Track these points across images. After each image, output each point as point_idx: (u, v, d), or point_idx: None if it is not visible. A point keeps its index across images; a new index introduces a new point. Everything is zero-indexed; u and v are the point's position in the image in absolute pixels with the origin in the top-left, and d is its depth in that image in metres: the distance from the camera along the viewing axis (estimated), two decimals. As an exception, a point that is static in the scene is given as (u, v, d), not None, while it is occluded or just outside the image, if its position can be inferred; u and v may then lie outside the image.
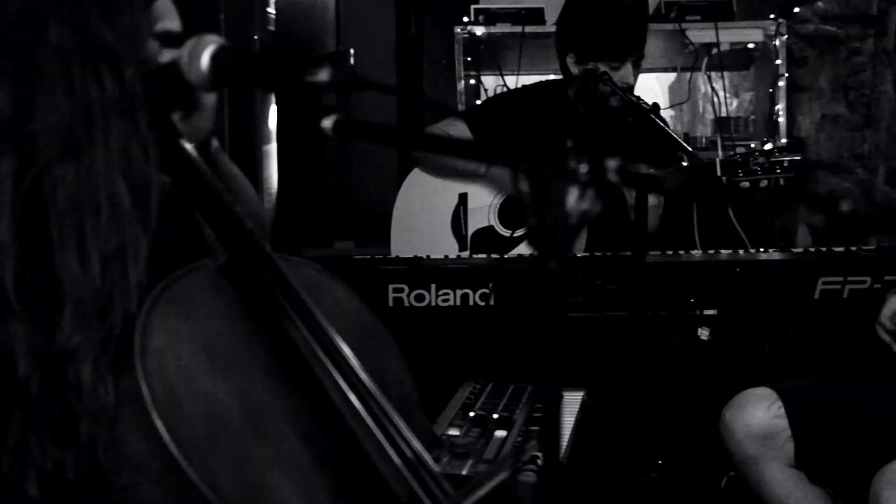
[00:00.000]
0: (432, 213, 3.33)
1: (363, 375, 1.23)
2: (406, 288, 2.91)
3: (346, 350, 1.25)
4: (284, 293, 1.28)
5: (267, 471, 1.20)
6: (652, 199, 2.91)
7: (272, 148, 4.66)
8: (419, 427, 1.27)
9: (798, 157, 2.96)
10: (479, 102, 4.12)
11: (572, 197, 0.98)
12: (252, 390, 1.24)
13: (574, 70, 3.14)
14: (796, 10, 4.37)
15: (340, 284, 1.46)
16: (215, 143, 1.59)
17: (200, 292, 1.29)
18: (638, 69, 3.12)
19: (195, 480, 1.12)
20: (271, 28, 4.57)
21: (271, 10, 4.58)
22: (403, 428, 1.20)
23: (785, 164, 2.87)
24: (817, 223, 0.75)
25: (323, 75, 1.18)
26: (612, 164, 0.97)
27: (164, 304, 1.24)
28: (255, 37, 4.27)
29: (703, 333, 2.92)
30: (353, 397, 1.21)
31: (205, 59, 1.31)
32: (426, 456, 1.18)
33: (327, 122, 1.21)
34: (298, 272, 1.35)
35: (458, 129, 3.21)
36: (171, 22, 1.47)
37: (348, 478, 1.22)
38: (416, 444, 1.19)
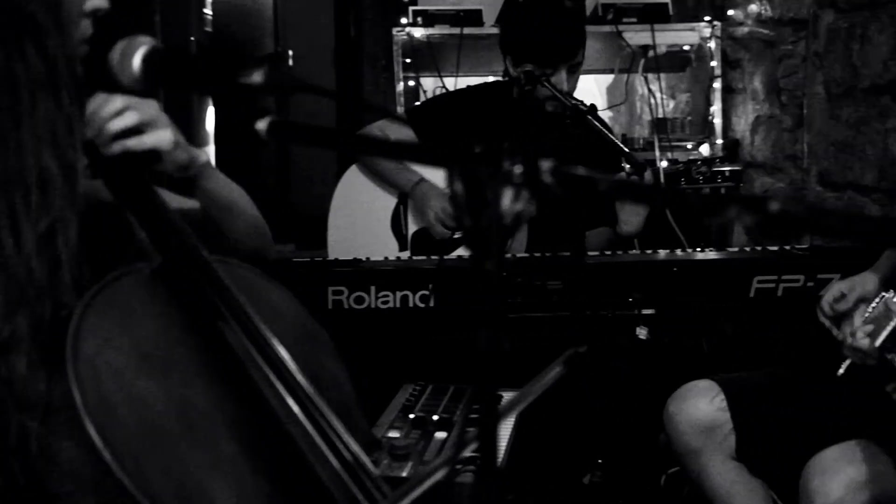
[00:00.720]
0: (371, 212, 3.32)
1: (301, 378, 1.22)
2: (345, 290, 2.90)
3: (284, 353, 1.24)
4: (221, 296, 1.27)
5: (203, 476, 1.18)
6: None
7: (210, 150, 4.62)
8: (358, 429, 1.26)
9: (739, 168, 3.03)
10: (421, 102, 4.12)
11: (507, 198, 0.98)
12: (188, 394, 1.22)
13: (513, 72, 3.15)
14: (730, 13, 4.44)
15: (278, 287, 1.45)
16: (203, 157, 1.62)
17: (134, 296, 1.27)
18: (574, 76, 3.14)
19: (129, 487, 1.11)
20: (208, 29, 4.52)
21: (208, 11, 4.54)
22: (342, 431, 1.19)
23: (726, 174, 2.94)
24: (746, 223, 0.76)
25: (257, 77, 1.17)
26: (546, 165, 0.98)
27: (97, 308, 1.22)
28: (192, 38, 4.22)
29: (642, 333, 2.95)
30: (290, 400, 1.20)
31: (136, 61, 1.29)
32: (365, 458, 1.18)
33: (261, 125, 1.20)
34: (235, 275, 1.34)
35: (395, 130, 3.20)
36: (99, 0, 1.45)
37: (286, 481, 1.21)
38: (355, 447, 1.18)
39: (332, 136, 1.20)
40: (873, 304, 2.00)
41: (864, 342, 1.91)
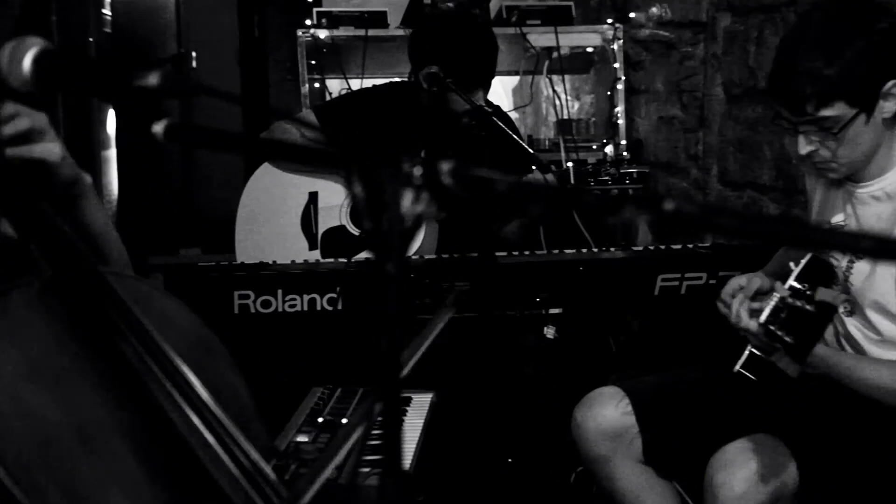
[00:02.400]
0: (280, 211, 3.29)
1: (198, 388, 1.21)
2: (252, 294, 2.86)
3: (181, 363, 1.22)
4: (114, 308, 1.24)
5: (100, 488, 1.16)
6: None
7: (111, 153, 4.52)
8: (257, 437, 1.25)
9: (646, 169, 3.09)
10: (330, 99, 4.09)
11: (407, 200, 0.97)
12: (83, 407, 1.20)
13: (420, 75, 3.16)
14: (632, 15, 4.51)
15: (172, 298, 1.42)
16: (88, 178, 1.61)
17: (24, 309, 1.24)
18: (488, 90, 3.18)
19: (22, 502, 1.08)
20: (107, 30, 4.42)
21: (107, 11, 4.43)
22: (240, 438, 1.18)
23: (634, 176, 3.00)
24: (641, 222, 0.77)
25: (152, 80, 1.15)
26: (445, 167, 0.98)
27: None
28: (90, 39, 4.13)
29: (549, 332, 2.97)
30: (188, 410, 1.18)
31: (27, 63, 1.26)
32: (264, 465, 1.17)
33: (158, 128, 1.17)
34: (129, 287, 1.31)
35: (302, 127, 3.19)
36: None
37: (185, 491, 1.19)
38: (254, 454, 1.17)
39: (231, 138, 1.18)
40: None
41: (751, 323, 1.97)
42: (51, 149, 1.45)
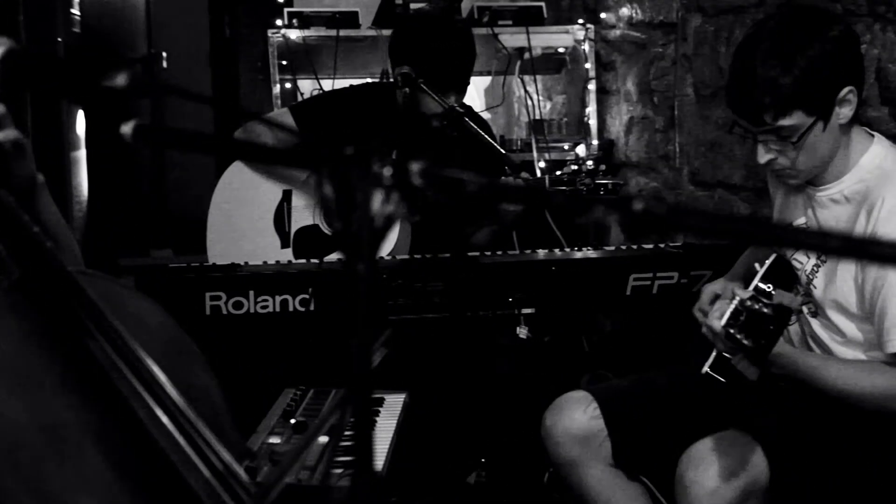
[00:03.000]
0: (253, 208, 3.27)
1: (170, 389, 1.20)
2: (224, 295, 2.85)
3: (152, 364, 1.21)
4: (84, 309, 1.23)
5: (70, 491, 1.15)
6: None
7: (81, 154, 4.48)
8: (229, 439, 1.24)
9: (621, 182, 3.10)
10: (305, 99, 4.08)
11: (377, 201, 0.97)
12: (52, 409, 1.19)
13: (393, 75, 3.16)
14: (603, 16, 4.53)
15: (144, 298, 1.41)
16: (41, 178, 1.60)
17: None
18: (463, 94, 3.19)
19: (-10, 506, 1.07)
20: (76, 30, 4.39)
21: (76, 11, 4.40)
22: (213, 440, 1.17)
23: (609, 187, 3.02)
24: (609, 223, 0.77)
25: (120, 80, 1.14)
26: (415, 167, 0.98)
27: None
28: (59, 39, 4.09)
29: (522, 332, 2.98)
30: (159, 412, 1.18)
31: (-7, 63, 1.24)
32: (236, 466, 1.16)
33: (126, 128, 1.17)
34: (99, 287, 1.30)
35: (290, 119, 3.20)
36: None
37: (157, 493, 1.19)
38: (226, 456, 1.16)
39: (200, 139, 1.17)
40: None
41: (714, 323, 1.99)
42: (10, 134, 1.45)
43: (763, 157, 2.17)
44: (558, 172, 3.02)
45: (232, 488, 1.15)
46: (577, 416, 2.45)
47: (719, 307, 2.03)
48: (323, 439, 2.10)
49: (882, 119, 2.77)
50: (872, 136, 2.24)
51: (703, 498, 2.10)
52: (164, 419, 1.18)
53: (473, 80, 4.89)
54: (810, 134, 2.09)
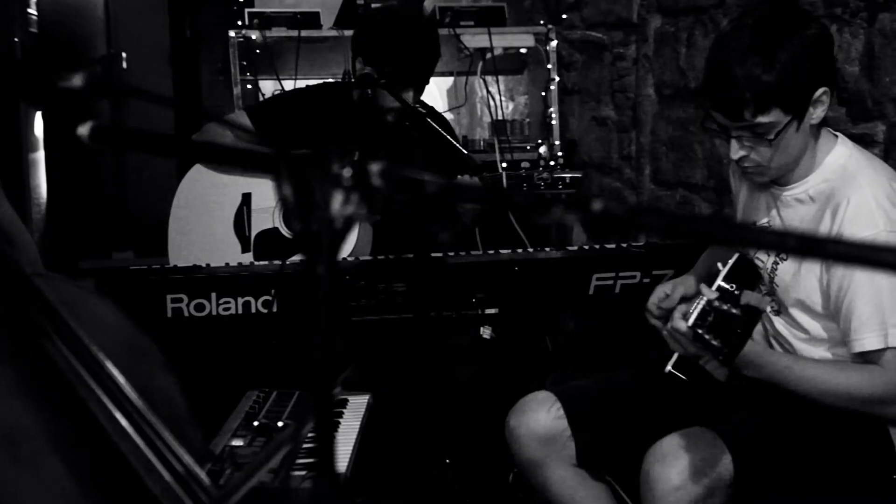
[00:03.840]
0: (213, 213, 3.25)
1: (130, 392, 1.19)
2: (185, 298, 2.83)
3: (111, 367, 1.20)
4: (42, 312, 1.22)
5: (29, 497, 1.14)
6: None
7: (40, 156, 4.43)
8: (191, 441, 1.23)
9: (579, 175, 3.11)
10: (263, 100, 4.06)
11: (336, 202, 0.97)
12: (8, 414, 1.17)
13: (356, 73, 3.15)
14: (564, 16, 4.54)
15: (103, 300, 1.40)
16: None
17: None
18: (420, 91, 3.18)
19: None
20: (33, 30, 4.34)
21: (33, 10, 4.35)
22: (173, 443, 1.16)
23: (567, 181, 3.02)
24: (569, 223, 0.77)
25: (77, 81, 1.13)
26: (375, 168, 0.97)
27: None
28: (16, 39, 4.04)
29: (486, 332, 2.98)
30: (119, 415, 1.16)
31: (-53, 64, 1.23)
32: (197, 469, 1.15)
33: (83, 130, 1.15)
34: (57, 289, 1.28)
35: (231, 131, 3.17)
36: None
37: (117, 498, 1.18)
38: (187, 459, 1.16)
39: (159, 140, 1.16)
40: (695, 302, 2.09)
41: (680, 324, 2.00)
42: None
43: (736, 153, 2.18)
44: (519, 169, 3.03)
45: (193, 491, 1.14)
46: (541, 417, 2.45)
47: (683, 308, 2.03)
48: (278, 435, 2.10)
49: (840, 119, 2.80)
50: (836, 136, 2.26)
51: (669, 494, 2.11)
52: (124, 422, 1.17)
53: (435, 80, 4.91)
54: (786, 133, 2.11)
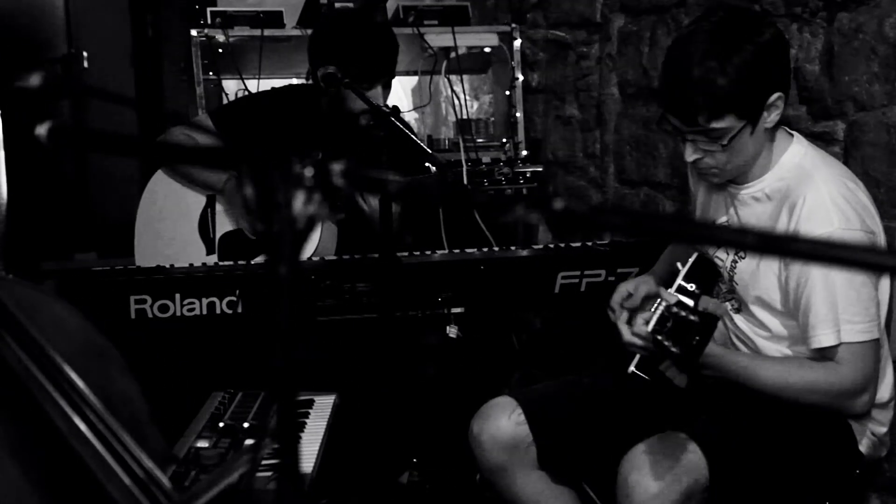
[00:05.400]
0: (179, 215, 3.23)
1: (89, 396, 1.17)
2: (149, 299, 2.81)
3: (69, 371, 1.19)
4: (-3, 313, 1.20)
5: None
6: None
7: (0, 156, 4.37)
8: (152, 444, 1.22)
9: (539, 168, 3.12)
10: (226, 103, 4.04)
11: (298, 201, 0.96)
12: (-36, 419, 1.15)
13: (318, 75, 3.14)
14: (528, 15, 4.55)
15: (62, 303, 1.38)
16: None
17: None
18: (388, 90, 3.17)
19: None
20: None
21: (-9, 9, 4.30)
22: (133, 447, 1.15)
23: (528, 175, 3.03)
24: (533, 221, 0.77)
25: (34, 81, 1.11)
26: (337, 167, 0.97)
27: None
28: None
29: (452, 331, 2.98)
30: (77, 419, 1.15)
31: None
32: (158, 473, 1.14)
33: (41, 129, 1.14)
34: (13, 292, 1.26)
35: (199, 136, 3.14)
36: None
37: (75, 502, 1.16)
38: (148, 463, 1.14)
39: (119, 141, 1.15)
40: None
41: (641, 329, 2.00)
42: None
43: (690, 155, 2.20)
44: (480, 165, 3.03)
45: (154, 495, 1.13)
46: (503, 423, 2.45)
47: (646, 315, 2.04)
48: (249, 441, 2.08)
49: (801, 118, 2.82)
50: (792, 135, 2.28)
51: (647, 500, 2.10)
52: (83, 427, 1.15)
53: (400, 80, 4.91)
54: (740, 137, 2.13)
